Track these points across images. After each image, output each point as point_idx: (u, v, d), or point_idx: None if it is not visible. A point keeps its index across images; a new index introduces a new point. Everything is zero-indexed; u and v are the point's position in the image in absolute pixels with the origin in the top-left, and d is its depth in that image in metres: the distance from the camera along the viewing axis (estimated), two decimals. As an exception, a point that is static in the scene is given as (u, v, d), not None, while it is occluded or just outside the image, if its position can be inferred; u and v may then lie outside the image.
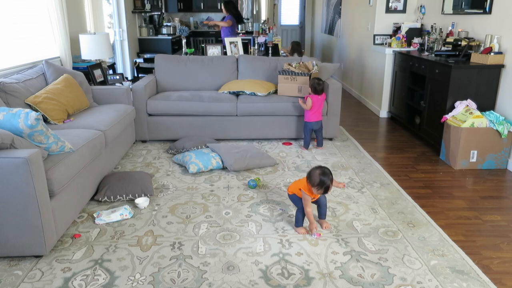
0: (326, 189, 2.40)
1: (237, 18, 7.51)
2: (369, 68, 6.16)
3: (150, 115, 4.28)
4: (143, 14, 7.65)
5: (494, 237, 2.61)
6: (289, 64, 4.45)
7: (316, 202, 2.65)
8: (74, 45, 4.70)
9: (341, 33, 7.97)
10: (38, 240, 2.23)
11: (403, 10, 5.65)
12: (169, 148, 4.07)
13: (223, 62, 4.76)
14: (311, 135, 4.15)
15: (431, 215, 2.85)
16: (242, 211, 2.88)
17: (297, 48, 6.17)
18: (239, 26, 8.83)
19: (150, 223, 2.71)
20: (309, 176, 2.45)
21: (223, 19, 7.54)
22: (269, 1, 10.34)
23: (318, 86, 3.96)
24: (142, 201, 2.92)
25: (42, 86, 3.55)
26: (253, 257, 2.33)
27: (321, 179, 2.39)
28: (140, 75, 6.54)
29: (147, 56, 7.20)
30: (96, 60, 4.81)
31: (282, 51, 6.29)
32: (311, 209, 2.53)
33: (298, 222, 2.61)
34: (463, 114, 3.71)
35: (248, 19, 9.70)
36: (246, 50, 6.17)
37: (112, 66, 5.68)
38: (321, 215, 2.70)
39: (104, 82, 4.80)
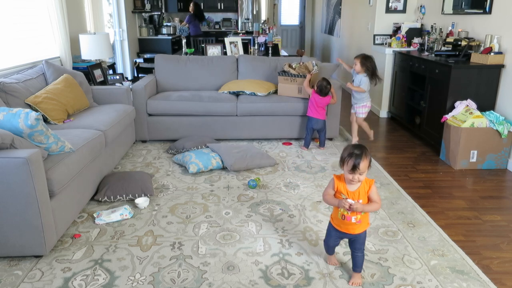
0: (355, 166, 1.91)
1: (198, 17, 8.96)
2: (369, 68, 6.16)
3: (150, 115, 4.28)
4: (143, 14, 7.65)
5: (494, 237, 2.61)
6: (289, 65, 4.45)
7: (351, 243, 2.14)
8: (74, 45, 4.70)
9: (341, 33, 7.97)
10: (38, 240, 2.23)
11: (403, 10, 5.65)
12: (169, 148, 4.07)
13: (223, 62, 4.76)
14: (312, 134, 4.15)
15: (431, 215, 2.85)
16: (242, 211, 2.88)
17: (366, 63, 4.14)
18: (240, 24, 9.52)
19: (150, 223, 2.71)
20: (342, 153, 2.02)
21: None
22: (269, 1, 10.34)
23: (324, 89, 3.99)
24: (142, 201, 2.92)
25: (42, 86, 3.55)
26: (253, 257, 2.33)
27: (350, 151, 1.94)
28: (140, 75, 6.54)
29: (147, 56, 7.20)
30: (96, 60, 4.81)
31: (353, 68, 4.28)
32: (331, 196, 2.05)
33: (328, 250, 2.26)
34: (463, 114, 3.71)
35: (248, 19, 9.70)
36: (246, 50, 6.17)
37: (112, 66, 5.68)
38: (356, 266, 2.13)
39: (104, 82, 4.80)
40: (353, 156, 1.92)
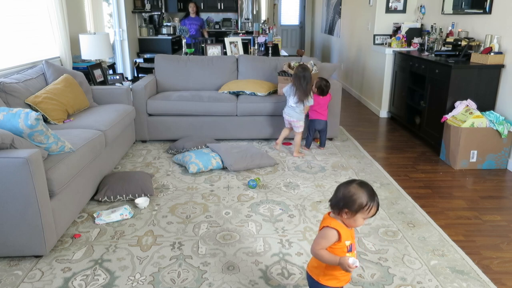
0: (378, 210, 1.58)
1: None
2: (369, 68, 6.16)
3: (150, 115, 4.28)
4: (143, 14, 7.65)
5: (494, 237, 2.61)
6: (288, 65, 4.44)
7: None
8: (74, 45, 4.70)
9: (341, 33, 7.97)
10: (38, 240, 2.23)
11: (403, 10, 5.65)
12: (169, 148, 4.07)
13: (223, 62, 4.76)
14: (314, 134, 4.15)
15: (431, 215, 2.85)
16: (242, 211, 2.88)
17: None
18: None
19: (150, 223, 2.71)
20: (346, 195, 1.55)
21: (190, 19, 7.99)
22: (269, 1, 10.33)
23: (325, 88, 4.00)
24: (142, 201, 2.92)
25: (42, 86, 3.55)
26: (253, 257, 2.33)
27: (369, 194, 1.55)
28: (140, 75, 6.54)
29: (147, 56, 7.20)
30: (96, 60, 4.81)
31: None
32: (327, 252, 1.59)
33: None
34: (463, 114, 3.71)
35: (248, 19, 9.70)
36: (246, 50, 6.17)
37: (112, 66, 5.68)
38: None
39: (104, 82, 4.80)
40: (375, 199, 1.55)
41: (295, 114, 3.91)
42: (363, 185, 1.57)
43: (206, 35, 8.13)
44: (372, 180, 3.41)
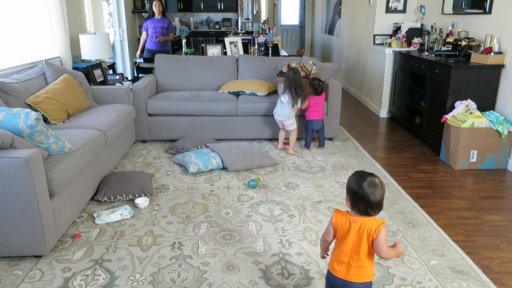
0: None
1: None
2: (369, 68, 6.16)
3: (150, 115, 4.28)
4: (143, 14, 7.66)
5: (494, 237, 2.61)
6: (288, 66, 4.44)
7: None
8: (74, 45, 4.70)
9: (341, 33, 7.97)
10: (38, 240, 2.23)
11: (403, 10, 5.65)
12: (169, 148, 4.07)
13: (223, 62, 4.76)
14: (312, 135, 4.15)
15: (431, 215, 2.85)
16: (242, 211, 2.88)
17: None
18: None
19: (150, 223, 2.71)
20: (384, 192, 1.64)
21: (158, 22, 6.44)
22: (269, 1, 10.33)
23: (318, 87, 4.01)
24: (142, 201, 2.92)
25: (42, 86, 3.55)
26: (253, 257, 2.34)
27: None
28: (140, 75, 6.53)
29: (147, 56, 7.18)
30: (96, 60, 4.81)
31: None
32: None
33: None
34: (463, 114, 3.71)
35: (248, 19, 9.70)
36: (246, 50, 6.16)
37: (112, 66, 5.68)
38: None
39: (104, 82, 4.80)
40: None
41: (284, 113, 3.95)
42: (371, 176, 1.65)
43: (171, 38, 6.50)
44: (372, 180, 3.41)
